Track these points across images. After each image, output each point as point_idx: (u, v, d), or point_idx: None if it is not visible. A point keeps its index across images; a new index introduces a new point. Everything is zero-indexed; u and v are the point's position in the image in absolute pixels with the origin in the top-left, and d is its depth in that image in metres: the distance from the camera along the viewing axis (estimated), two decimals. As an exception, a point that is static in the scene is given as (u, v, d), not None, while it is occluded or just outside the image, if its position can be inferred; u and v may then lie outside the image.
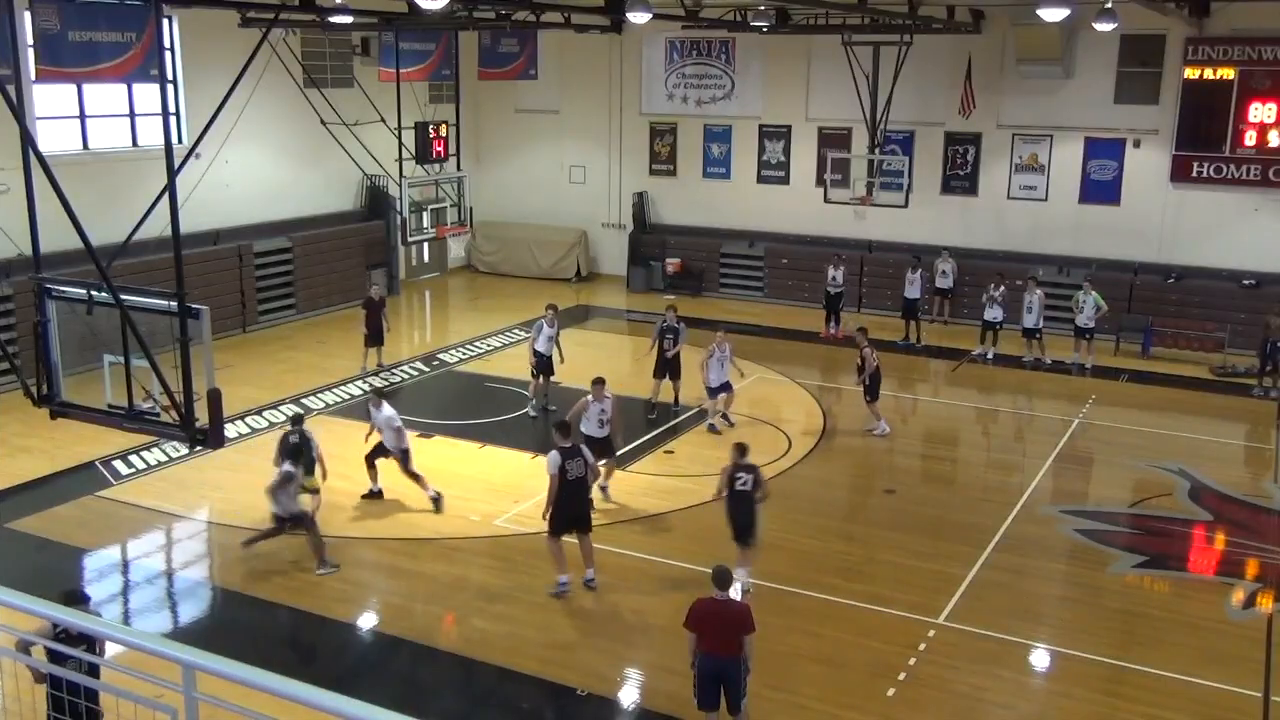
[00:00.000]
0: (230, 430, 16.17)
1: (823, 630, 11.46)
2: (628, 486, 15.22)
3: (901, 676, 10.56)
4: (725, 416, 17.71)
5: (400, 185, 19.99)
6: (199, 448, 10.25)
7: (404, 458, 14.28)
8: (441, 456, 16.21)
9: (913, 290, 23.21)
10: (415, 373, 20.61)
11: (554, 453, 11.81)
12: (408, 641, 11.20)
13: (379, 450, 14.43)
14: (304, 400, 18.52)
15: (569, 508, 11.87)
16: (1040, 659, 11.18)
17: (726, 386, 17.43)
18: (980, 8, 23.14)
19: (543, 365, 18.05)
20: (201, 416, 9.12)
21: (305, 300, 24.57)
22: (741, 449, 12.06)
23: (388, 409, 14.42)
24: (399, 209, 20.50)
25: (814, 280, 25.61)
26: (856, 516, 14.96)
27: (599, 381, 14.31)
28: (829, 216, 25.55)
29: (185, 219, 9.59)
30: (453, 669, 10.84)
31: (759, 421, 18.13)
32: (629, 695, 10.48)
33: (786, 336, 23.69)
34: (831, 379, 20.89)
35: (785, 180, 27.18)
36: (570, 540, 12.08)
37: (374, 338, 20.19)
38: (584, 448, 12.11)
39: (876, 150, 24.16)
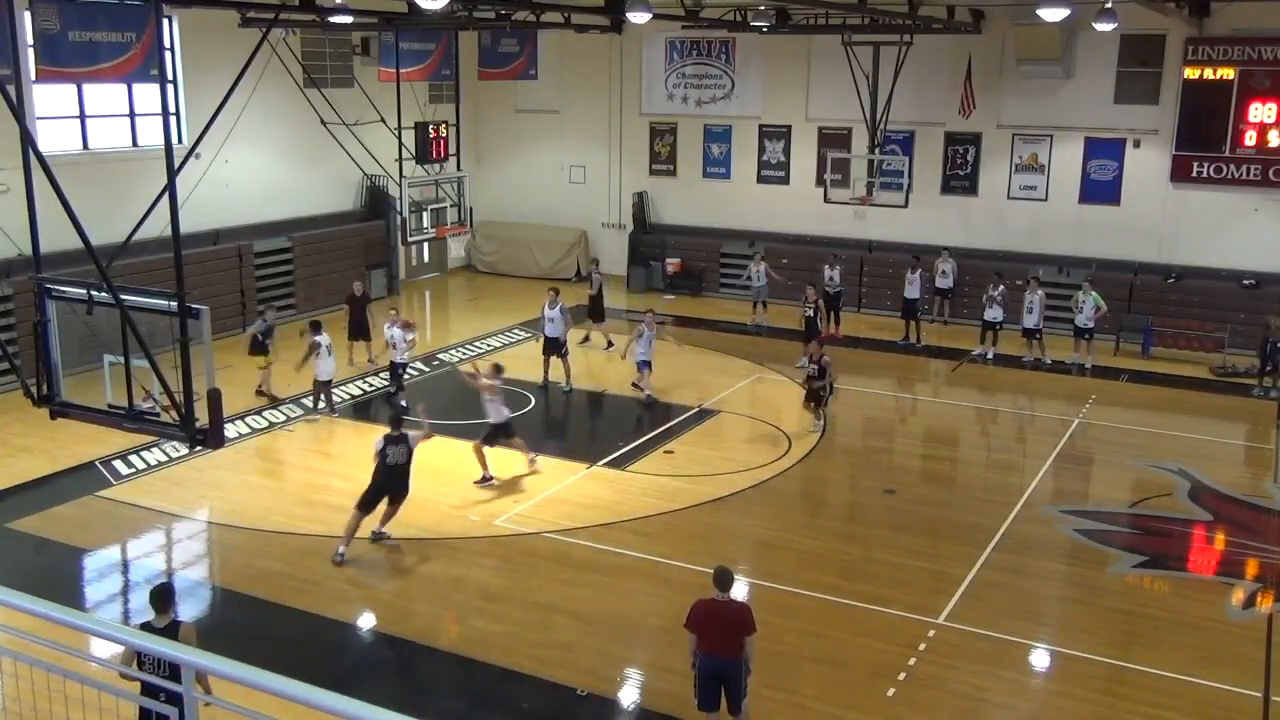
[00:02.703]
0: (230, 430, 16.19)
1: (823, 630, 11.46)
2: (627, 486, 15.23)
3: (901, 676, 10.56)
4: (639, 386, 18.86)
5: (400, 185, 20.00)
6: (199, 448, 10.26)
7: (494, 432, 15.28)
8: (441, 456, 16.17)
9: (912, 290, 23.21)
10: (415, 373, 20.59)
11: (379, 437, 12.96)
12: (407, 641, 11.19)
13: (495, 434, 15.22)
14: (304, 400, 18.51)
15: (385, 489, 12.84)
16: (1040, 659, 11.18)
17: (647, 364, 18.64)
18: (980, 8, 23.14)
19: (551, 347, 19.48)
20: (202, 416, 9.13)
21: (305, 300, 24.56)
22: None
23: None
24: (399, 209, 20.53)
25: (814, 280, 25.59)
26: (856, 516, 14.96)
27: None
28: (829, 216, 25.56)
29: (185, 219, 9.60)
30: (452, 669, 10.84)
31: (759, 421, 18.13)
32: (628, 695, 10.48)
33: (785, 336, 23.67)
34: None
35: (785, 180, 27.18)
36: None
37: (358, 332, 20.47)
38: (410, 435, 12.99)
39: (876, 150, 24.17)
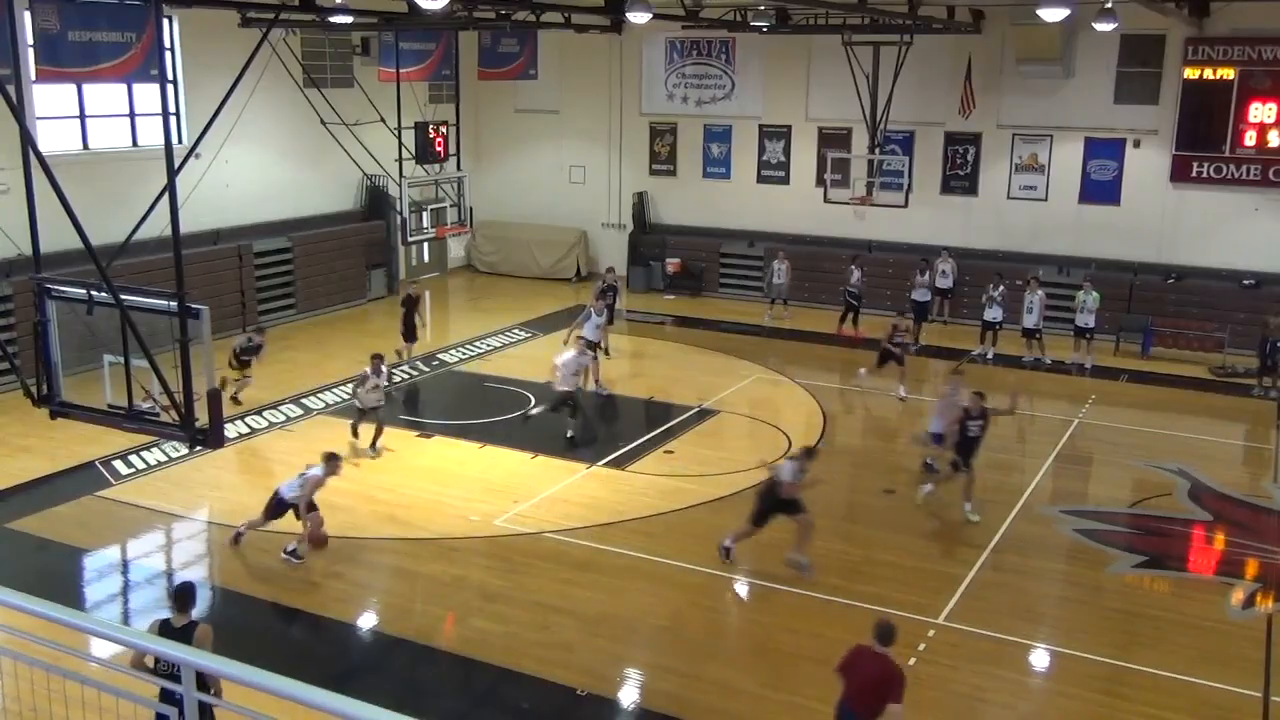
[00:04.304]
0: (230, 430, 16.20)
1: (824, 631, 11.44)
2: (627, 486, 15.23)
3: (901, 676, 10.53)
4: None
5: (400, 185, 19.99)
6: (199, 448, 10.26)
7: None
8: (441, 456, 16.22)
9: (922, 294, 23.17)
10: (415, 372, 20.61)
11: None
12: (407, 641, 11.19)
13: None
14: (304, 400, 18.52)
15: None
16: (1040, 659, 11.18)
17: (593, 347, 18.99)
18: (980, 8, 23.14)
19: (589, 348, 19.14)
20: (202, 416, 9.14)
21: (305, 300, 24.58)
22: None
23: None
24: (399, 209, 20.51)
25: (814, 280, 25.63)
26: (856, 517, 14.96)
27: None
28: (829, 216, 25.56)
29: (185, 219, 9.60)
30: (452, 669, 10.84)
31: (759, 421, 18.12)
32: (628, 695, 10.47)
33: (786, 336, 23.69)
34: (831, 379, 20.86)
35: (785, 180, 27.19)
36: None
37: (410, 334, 20.41)
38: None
39: (876, 150, 24.16)
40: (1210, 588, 12.91)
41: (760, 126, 27.28)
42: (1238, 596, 12.57)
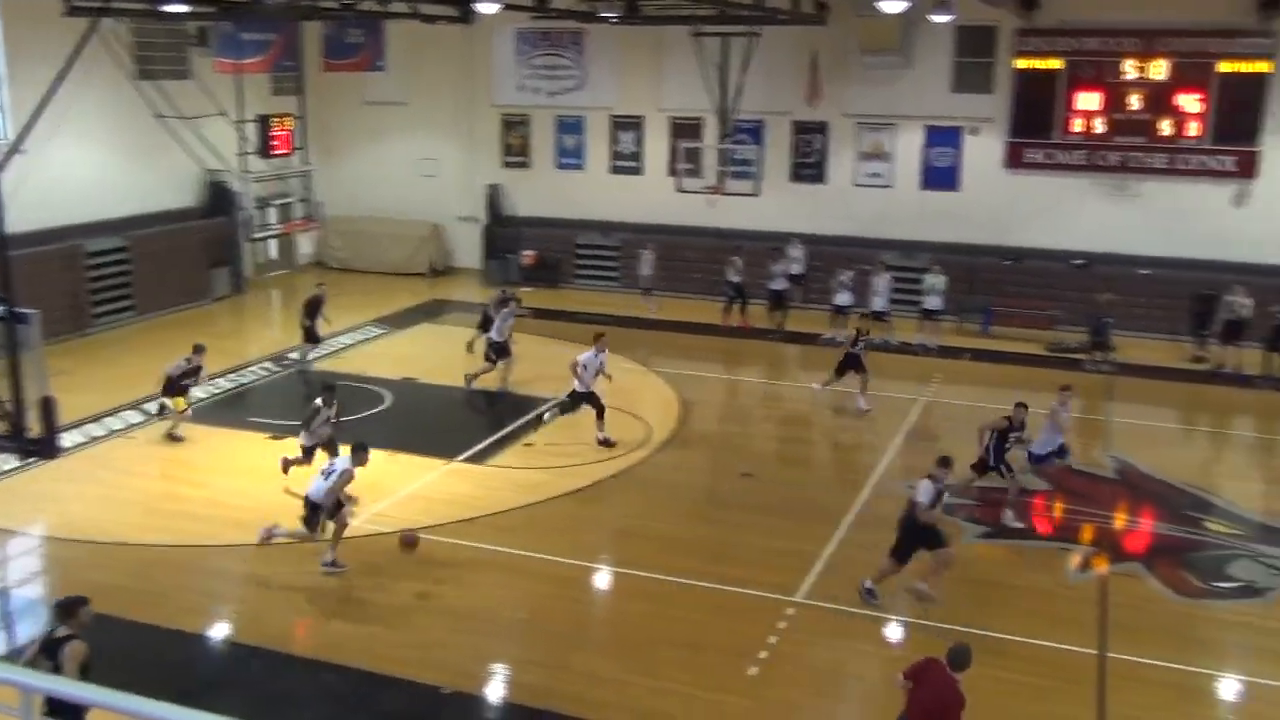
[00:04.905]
0: (68, 439, 15.43)
1: (686, 614, 11.60)
2: (487, 481, 15.13)
3: (763, 655, 10.77)
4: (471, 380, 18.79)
5: (243, 180, 19.39)
6: (32, 458, 9.77)
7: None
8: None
9: (779, 282, 23.59)
10: (265, 373, 20.02)
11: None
12: (264, 650, 10.89)
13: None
14: (146, 406, 17.79)
15: None
16: (894, 631, 11.55)
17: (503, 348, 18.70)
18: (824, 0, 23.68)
19: (499, 350, 18.79)
20: (41, 426, 8.70)
21: (145, 301, 23.58)
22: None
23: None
24: (243, 205, 19.91)
25: (670, 269, 25.81)
26: (715, 501, 15.18)
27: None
28: (683, 206, 25.81)
29: (11, 218, 9.11)
30: (312, 675, 10.58)
31: (618, 410, 18.20)
32: (494, 691, 10.43)
33: (643, 326, 23.83)
34: (690, 368, 21.09)
35: (639, 171, 27.36)
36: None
37: (312, 336, 19.98)
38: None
39: (727, 140, 24.52)
40: (1050, 554, 13.57)
41: (612, 117, 27.37)
42: (1075, 561, 13.25)
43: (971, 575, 12.75)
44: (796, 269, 24.70)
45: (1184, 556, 13.34)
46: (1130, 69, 23.08)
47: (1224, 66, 22.58)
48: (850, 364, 18.16)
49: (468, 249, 28.85)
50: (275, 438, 16.34)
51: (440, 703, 10.06)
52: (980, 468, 14.28)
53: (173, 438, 16.27)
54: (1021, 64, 23.75)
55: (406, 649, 10.85)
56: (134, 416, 17.40)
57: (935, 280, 22.37)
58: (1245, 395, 19.68)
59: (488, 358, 18.90)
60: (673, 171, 25.94)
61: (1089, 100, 23.50)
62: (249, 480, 14.96)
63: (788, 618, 11.49)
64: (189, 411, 16.50)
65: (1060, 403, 14.91)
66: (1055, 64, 23.56)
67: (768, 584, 12.16)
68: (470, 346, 20.56)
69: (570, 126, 27.85)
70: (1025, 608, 11.87)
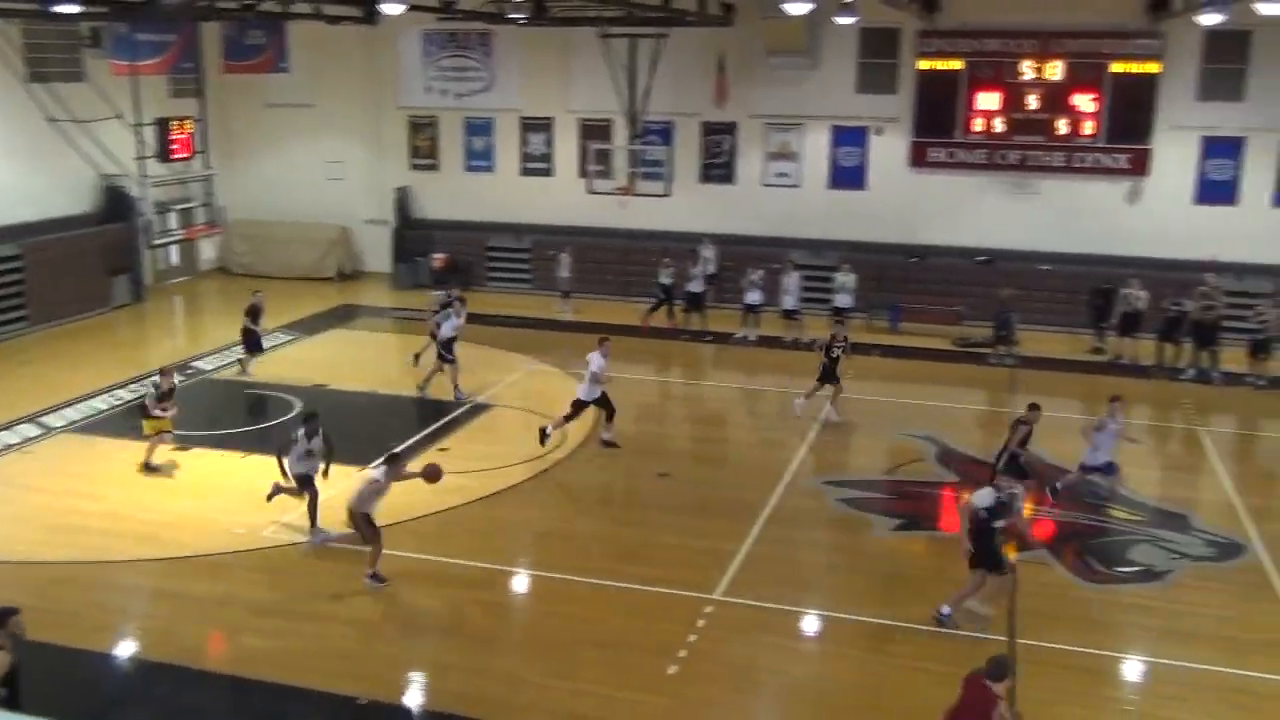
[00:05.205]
0: (-41, 455, 14.85)
1: (604, 616, 11.59)
2: (402, 485, 14.87)
3: (682, 654, 10.80)
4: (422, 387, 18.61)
5: (142, 185, 18.85)
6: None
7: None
8: (201, 469, 15.42)
9: (697, 284, 23.66)
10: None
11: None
12: (174, 666, 10.59)
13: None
14: (42, 419, 17.20)
15: None
16: (811, 624, 11.69)
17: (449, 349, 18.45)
18: (730, 1, 23.88)
19: (447, 347, 18.49)
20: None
21: (40, 311, 22.78)
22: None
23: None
24: (142, 210, 19.36)
25: (583, 270, 25.67)
26: (632, 501, 15.20)
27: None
28: (594, 207, 25.81)
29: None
30: (224, 691, 10.34)
31: (532, 413, 18.12)
32: (413, 698, 10.29)
33: (556, 328, 23.75)
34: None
35: (549, 172, 27.29)
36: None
37: (254, 345, 19.61)
38: None
39: (637, 141, 24.59)
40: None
41: (522, 119, 27.26)
42: (984, 550, 13.51)
43: (886, 568, 12.97)
44: (712, 269, 24.88)
45: (1088, 543, 13.74)
46: (1028, 70, 23.71)
47: (1116, 67, 23.33)
48: (826, 373, 17.74)
49: (377, 252, 28.45)
50: (181, 448, 15.92)
51: (357, 713, 9.90)
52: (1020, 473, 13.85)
53: (149, 467, 15.25)
54: (924, 65, 24.24)
55: (321, 659, 10.65)
56: (31, 430, 16.82)
57: (846, 278, 22.74)
58: (1142, 385, 20.33)
59: (441, 358, 18.64)
60: (583, 173, 25.94)
61: (989, 100, 24.08)
62: (153, 493, 14.57)
63: (706, 615, 11.55)
64: (170, 434, 15.50)
65: (1110, 414, 14.58)
66: (956, 65, 24.09)
67: (686, 583, 12.21)
68: (417, 359, 20.06)
69: (479, 128, 27.66)
70: (937, 598, 12.04)
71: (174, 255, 27.60)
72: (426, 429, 17.25)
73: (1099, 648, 11.11)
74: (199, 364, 20.61)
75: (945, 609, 11.39)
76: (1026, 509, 13.93)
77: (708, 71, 25.41)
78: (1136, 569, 13.05)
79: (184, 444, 16.05)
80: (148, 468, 15.19)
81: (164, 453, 15.49)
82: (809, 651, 11.38)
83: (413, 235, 27.85)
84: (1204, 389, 20.25)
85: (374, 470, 12.32)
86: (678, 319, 23.70)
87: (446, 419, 17.69)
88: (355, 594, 11.93)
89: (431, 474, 12.29)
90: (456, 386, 18.53)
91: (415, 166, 28.20)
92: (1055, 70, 23.59)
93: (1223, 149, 23.37)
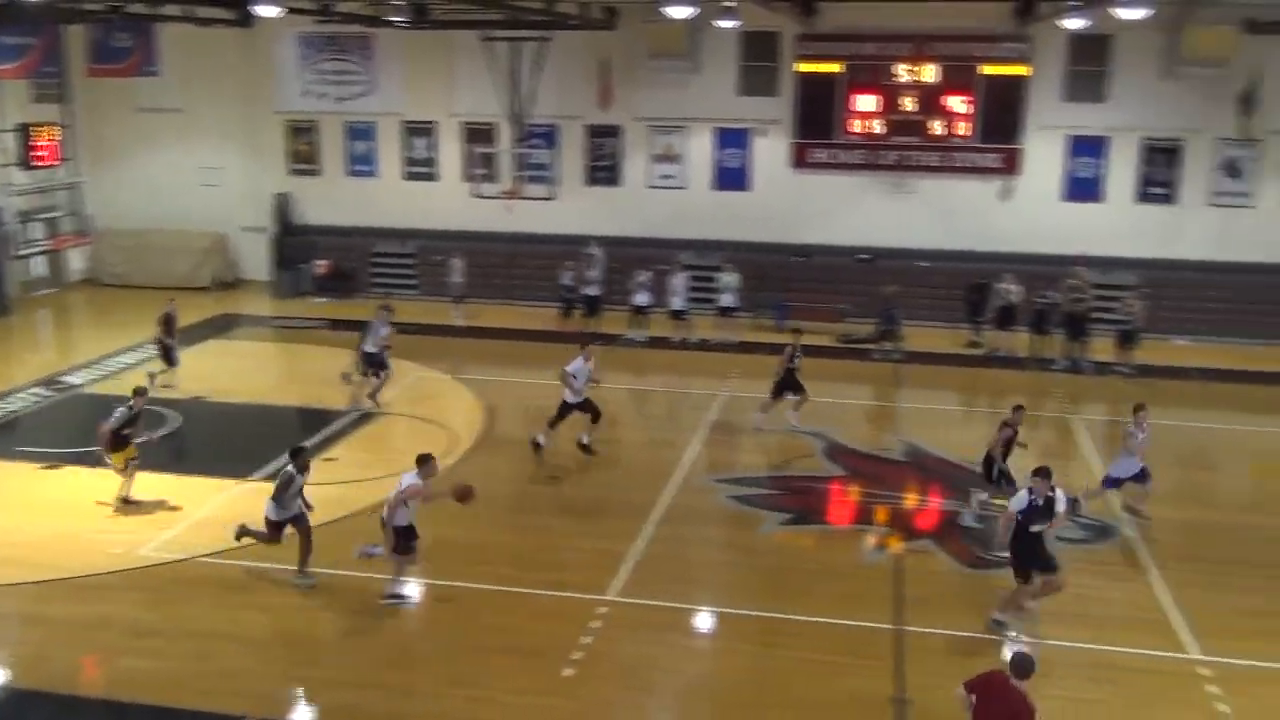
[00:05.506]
0: None
1: (500, 621, 11.49)
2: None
3: (578, 655, 10.78)
4: (373, 397, 18.33)
5: (3, 194, 18.08)
6: None
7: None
8: (73, 488, 14.82)
9: (594, 288, 23.62)
10: (35, 398, 18.71)
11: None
12: (45, 693, 10.15)
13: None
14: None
15: None
16: (704, 621, 11.77)
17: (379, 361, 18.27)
18: (613, 5, 23.95)
19: (372, 361, 18.24)
20: None
21: (-104, 327, 21.68)
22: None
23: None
24: (3, 220, 18.56)
25: (471, 275, 25.45)
26: (525, 506, 15.10)
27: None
28: (480, 211, 25.59)
29: None
30: (101, 715, 9.95)
31: (421, 420, 17.91)
32: (302, 715, 10.06)
33: (443, 334, 23.49)
34: (493, 373, 20.94)
35: (433, 177, 27.00)
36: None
37: (170, 356, 19.05)
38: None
39: (521, 144, 24.49)
40: (847, 536, 14.12)
41: (404, 123, 26.92)
42: (871, 541, 13.83)
43: (775, 563, 13.15)
44: (599, 271, 24.90)
45: (967, 530, 14.12)
46: (903, 72, 24.31)
47: (987, 70, 24.07)
48: (788, 383, 17.45)
49: (256, 260, 27.77)
50: (50, 466, 15.30)
51: (244, 732, 9.64)
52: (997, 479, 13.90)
53: (127, 501, 14.13)
54: (803, 68, 24.66)
55: (206, 679, 10.33)
56: None
57: (730, 278, 23.00)
58: (1017, 376, 21.01)
59: (362, 372, 18.28)
60: (468, 177, 25.73)
61: (867, 102, 24.62)
62: (19, 515, 13.95)
63: (601, 616, 11.55)
64: (136, 461, 14.30)
65: (1136, 424, 14.04)
66: (835, 68, 24.56)
67: (579, 584, 12.19)
68: (348, 378, 19.51)
69: (361, 133, 27.22)
70: (825, 589, 12.29)
71: (40, 266, 26.50)
72: (312, 438, 16.87)
73: (982, 631, 11.41)
74: (68, 378, 19.83)
75: (998, 616, 11.38)
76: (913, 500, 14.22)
77: (591, 75, 25.44)
78: (1016, 554, 13.42)
79: (52, 463, 15.41)
80: (126, 502, 14.08)
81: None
82: (702, 648, 11.46)
83: (294, 242, 27.25)
84: (1076, 379, 21.04)
85: (406, 477, 11.75)
86: (582, 321, 23.63)
87: (333, 428, 17.34)
88: (240, 610, 11.61)
89: (463, 493, 11.71)
90: (373, 395, 18.32)
91: (295, 171, 27.61)
92: (929, 73, 24.23)
93: (1088, 148, 24.33)
